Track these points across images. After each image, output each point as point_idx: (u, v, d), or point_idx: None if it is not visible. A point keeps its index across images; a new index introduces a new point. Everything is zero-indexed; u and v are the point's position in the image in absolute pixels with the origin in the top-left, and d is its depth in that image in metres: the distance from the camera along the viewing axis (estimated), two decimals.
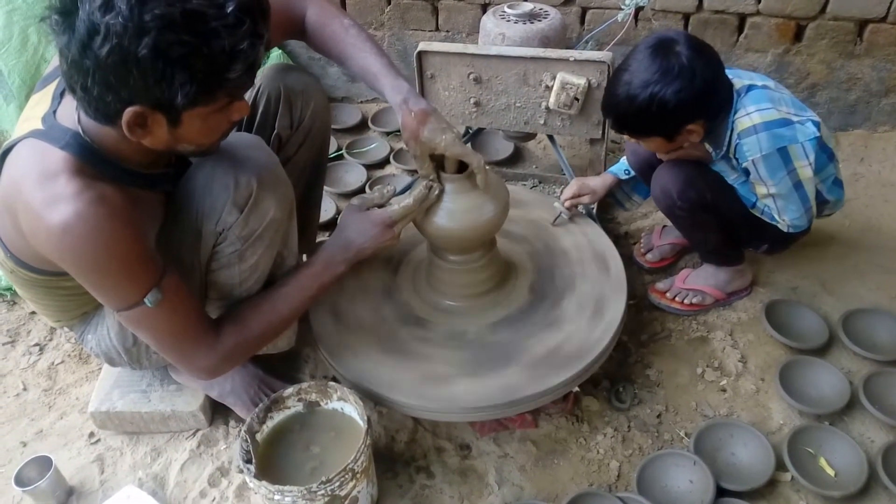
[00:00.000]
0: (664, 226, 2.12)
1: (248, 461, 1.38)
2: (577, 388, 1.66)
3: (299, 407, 1.53)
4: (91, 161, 1.16)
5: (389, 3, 2.61)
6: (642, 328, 1.89)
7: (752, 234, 1.80)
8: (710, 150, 1.67)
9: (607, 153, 2.19)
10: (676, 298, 1.90)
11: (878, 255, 2.08)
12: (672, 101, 1.48)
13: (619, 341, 1.76)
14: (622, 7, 2.10)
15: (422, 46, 2.08)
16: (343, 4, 2.65)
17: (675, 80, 1.47)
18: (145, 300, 1.20)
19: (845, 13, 2.28)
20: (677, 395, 1.72)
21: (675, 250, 2.06)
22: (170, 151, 1.23)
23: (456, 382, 1.52)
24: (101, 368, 1.80)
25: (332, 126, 2.67)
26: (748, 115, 1.56)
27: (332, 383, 1.51)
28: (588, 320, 1.63)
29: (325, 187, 2.36)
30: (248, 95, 1.58)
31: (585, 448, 1.61)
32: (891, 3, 2.23)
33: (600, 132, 2.11)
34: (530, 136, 2.45)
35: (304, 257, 1.98)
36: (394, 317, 1.70)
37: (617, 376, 1.76)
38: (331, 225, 2.25)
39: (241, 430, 1.43)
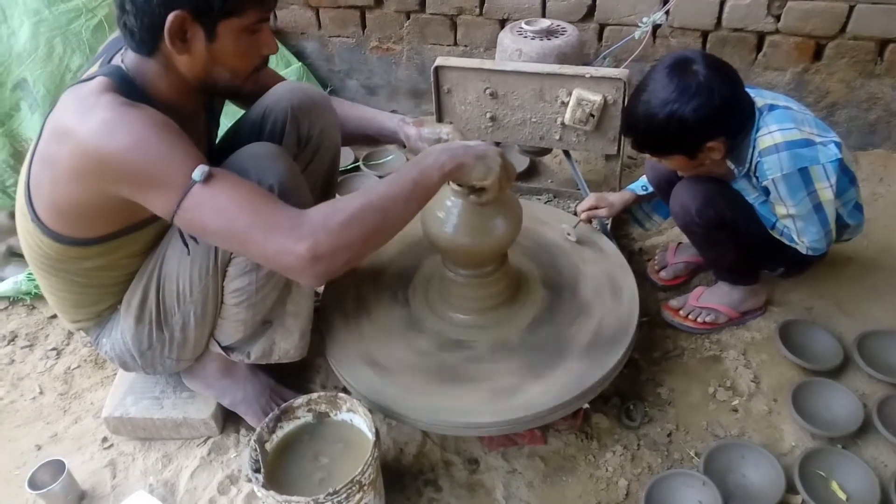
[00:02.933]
0: (679, 243, 2.11)
1: (257, 470, 1.39)
2: (587, 405, 1.66)
3: (309, 417, 1.54)
4: (129, 92, 1.23)
5: (409, 18, 2.63)
6: (655, 346, 1.89)
7: (770, 255, 1.79)
8: (733, 167, 1.67)
9: (623, 169, 2.19)
10: (690, 316, 1.89)
11: None
12: (691, 119, 1.48)
13: (630, 359, 1.76)
14: (640, 24, 2.10)
15: (439, 62, 2.10)
16: (363, 20, 2.69)
17: (693, 98, 1.47)
18: (193, 175, 1.15)
19: (865, 32, 2.27)
20: (688, 415, 1.71)
21: (690, 268, 2.05)
22: (206, 82, 1.30)
23: (466, 395, 1.53)
24: (116, 374, 1.83)
25: None
26: (770, 134, 1.56)
27: (341, 395, 1.52)
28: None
29: (341, 196, 2.40)
30: (257, 113, 1.61)
31: (594, 465, 1.60)
32: None
33: (616, 148, 2.11)
34: (546, 151, 2.46)
35: None
36: (405, 329, 1.71)
37: (628, 394, 1.75)
38: None
39: (250, 440, 1.44)
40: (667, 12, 2.28)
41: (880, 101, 2.43)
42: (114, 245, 1.38)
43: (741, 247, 1.75)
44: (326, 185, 1.77)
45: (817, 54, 2.38)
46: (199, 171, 1.17)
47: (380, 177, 2.51)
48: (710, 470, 1.54)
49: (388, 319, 1.74)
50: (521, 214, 1.61)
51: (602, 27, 2.48)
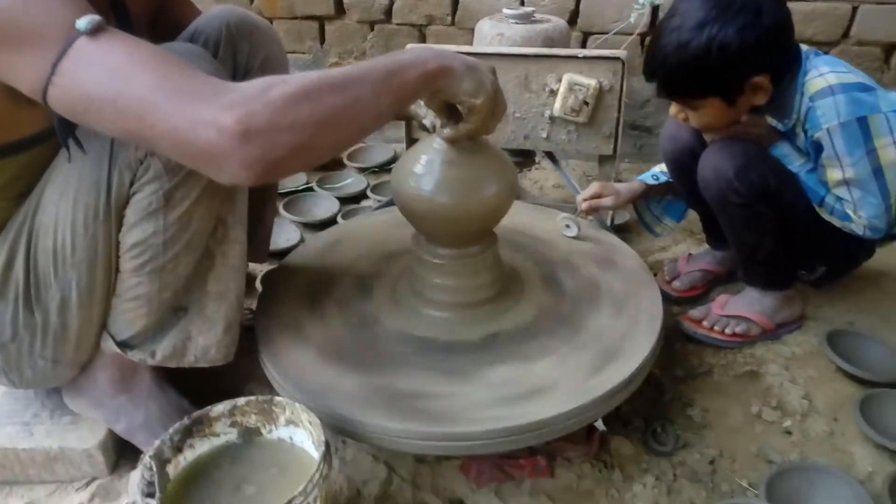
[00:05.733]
0: (689, 254, 1.80)
1: (150, 495, 0.96)
2: (602, 427, 1.29)
3: (233, 435, 1.12)
4: None
5: (373, 30, 2.39)
6: (676, 363, 1.52)
7: (813, 246, 1.48)
8: (775, 123, 1.38)
9: (618, 177, 1.89)
10: (716, 328, 1.54)
11: None
12: (735, 43, 1.22)
13: (650, 375, 1.39)
14: (635, 6, 1.88)
15: (407, 47, 1.82)
16: (321, 32, 2.44)
17: (737, 15, 1.22)
18: (78, 24, 0.82)
19: (870, 37, 2.10)
20: (731, 438, 1.33)
21: (707, 279, 1.73)
22: None
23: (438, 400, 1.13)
24: None
25: None
26: (822, 76, 1.30)
27: (278, 399, 1.11)
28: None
29: (291, 215, 2.05)
30: (183, 38, 1.29)
31: (619, 502, 1.19)
32: None
33: (612, 146, 1.83)
34: (525, 161, 2.15)
35: (258, 283, 1.63)
36: (361, 325, 1.33)
37: (652, 416, 1.37)
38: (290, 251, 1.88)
39: (144, 456, 1.01)
40: None
41: None
42: None
43: (783, 229, 1.42)
44: None
45: None
46: (87, 20, 0.82)
47: (337, 198, 2.17)
48: (773, 502, 1.15)
49: (345, 317, 1.35)
50: (516, 175, 1.29)
51: (586, 36, 2.28)
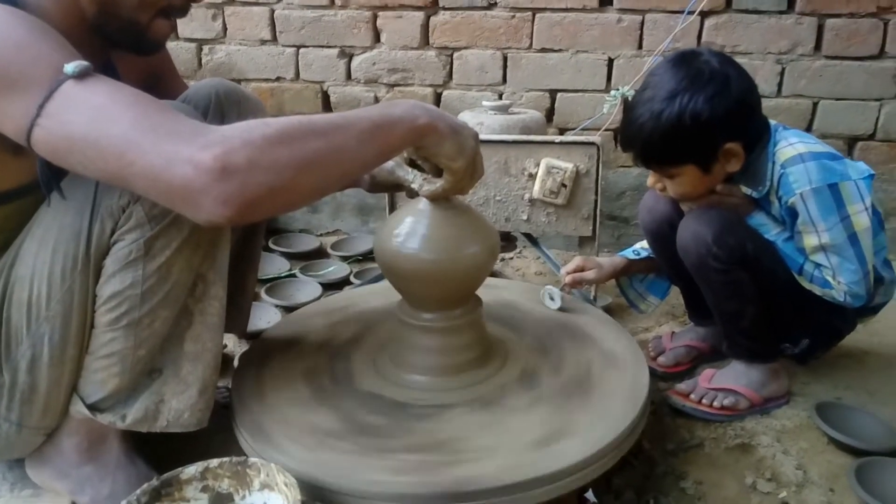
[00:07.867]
0: (673, 332, 1.80)
1: None
2: (593, 499, 1.24)
3: (203, 502, 1.06)
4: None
5: None
6: (667, 437, 1.48)
7: (795, 316, 1.49)
8: (749, 190, 1.43)
9: (599, 254, 1.92)
10: (704, 401, 1.52)
11: None
12: (706, 111, 1.28)
13: (640, 449, 1.39)
14: (607, 98, 1.98)
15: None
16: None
17: (706, 86, 1.29)
18: (66, 68, 0.85)
19: (833, 130, 2.21)
20: None
21: (692, 354, 1.72)
22: (105, 8, 1.04)
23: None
24: None
25: (286, 249, 2.41)
26: (792, 146, 1.36)
27: (252, 460, 1.06)
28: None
29: (272, 298, 2.04)
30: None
31: None
32: (877, 120, 2.17)
33: (591, 227, 1.87)
34: (505, 248, 2.17)
35: (236, 361, 1.60)
36: (345, 395, 1.29)
37: (644, 489, 1.32)
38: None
39: None
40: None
41: None
42: None
43: (764, 296, 1.43)
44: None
45: None
46: (75, 65, 0.86)
47: (320, 284, 2.17)
48: None
49: (323, 386, 1.32)
50: (497, 235, 1.31)
51: (561, 132, 2.37)
